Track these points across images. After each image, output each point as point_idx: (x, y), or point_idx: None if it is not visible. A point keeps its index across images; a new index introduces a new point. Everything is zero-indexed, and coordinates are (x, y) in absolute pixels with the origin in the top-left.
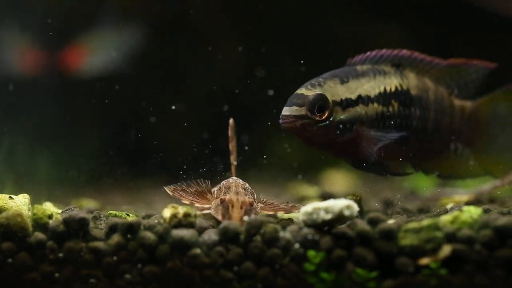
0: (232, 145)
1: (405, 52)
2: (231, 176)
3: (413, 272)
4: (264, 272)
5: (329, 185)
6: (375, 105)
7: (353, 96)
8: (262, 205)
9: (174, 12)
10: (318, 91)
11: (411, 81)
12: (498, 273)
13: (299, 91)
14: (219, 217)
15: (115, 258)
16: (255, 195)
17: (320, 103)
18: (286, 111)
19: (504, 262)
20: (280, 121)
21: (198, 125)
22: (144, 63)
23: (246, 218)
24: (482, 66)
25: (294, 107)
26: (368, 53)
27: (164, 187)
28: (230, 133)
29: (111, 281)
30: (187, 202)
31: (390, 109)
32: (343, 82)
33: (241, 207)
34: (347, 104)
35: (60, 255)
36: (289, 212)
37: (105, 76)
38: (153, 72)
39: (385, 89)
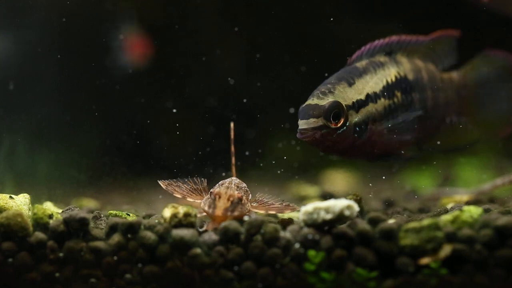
0: (232, 147)
1: (393, 38)
2: (231, 177)
3: (414, 272)
4: (264, 272)
5: (329, 185)
6: (382, 100)
7: (363, 97)
8: (256, 204)
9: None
10: (331, 98)
11: (405, 66)
12: (498, 273)
13: (311, 101)
14: (205, 208)
15: (115, 258)
16: (249, 195)
17: (336, 111)
18: (303, 124)
19: (504, 262)
20: (299, 135)
21: (198, 125)
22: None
23: (236, 214)
24: (454, 34)
25: (311, 119)
26: (363, 48)
27: (158, 180)
28: (231, 136)
29: (111, 281)
30: (179, 196)
31: (395, 100)
32: (350, 84)
33: (228, 199)
34: (359, 105)
35: (61, 255)
36: (281, 212)
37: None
38: (153, 72)
39: (387, 82)
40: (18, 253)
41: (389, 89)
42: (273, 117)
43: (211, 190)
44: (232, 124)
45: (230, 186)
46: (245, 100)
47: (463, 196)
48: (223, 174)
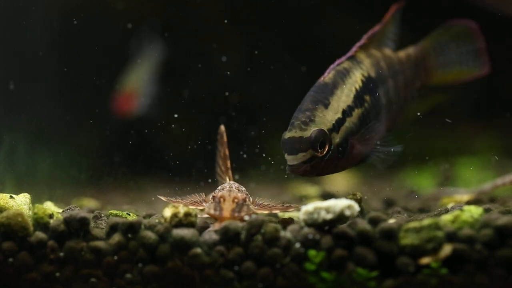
0: (226, 151)
1: (356, 45)
2: (228, 181)
3: (414, 271)
4: (265, 272)
5: (329, 185)
6: (356, 110)
7: (340, 115)
8: (257, 207)
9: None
10: (313, 127)
11: (366, 63)
12: (499, 272)
13: (294, 133)
14: (211, 211)
15: (115, 257)
16: (250, 198)
17: (322, 139)
18: (292, 160)
19: (505, 262)
20: (289, 170)
21: (198, 124)
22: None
23: (243, 215)
24: (397, 7)
25: (300, 154)
26: (333, 64)
27: (158, 195)
28: (223, 139)
29: (111, 280)
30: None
31: (366, 105)
32: (326, 106)
33: (233, 201)
34: (338, 125)
35: (61, 254)
36: (285, 211)
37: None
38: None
39: (356, 90)
40: (18, 253)
41: (359, 97)
42: (274, 116)
43: (213, 195)
44: (222, 127)
45: (231, 189)
46: (244, 100)
47: (463, 196)
48: (209, 180)
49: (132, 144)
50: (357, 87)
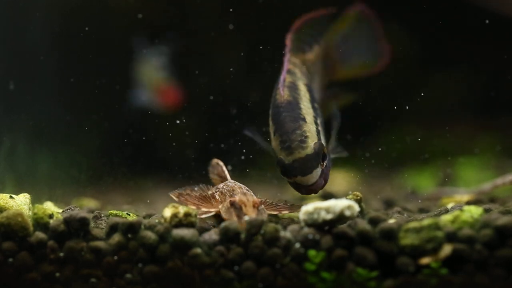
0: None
1: (285, 59)
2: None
3: (414, 271)
4: (265, 272)
5: (329, 185)
6: (318, 119)
7: (315, 126)
8: (267, 207)
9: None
10: (311, 143)
11: (298, 73)
12: (499, 272)
13: (299, 154)
14: (234, 219)
15: (115, 257)
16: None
17: (322, 152)
18: (310, 179)
19: (505, 262)
20: (307, 192)
21: (199, 124)
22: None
23: (264, 216)
24: (321, 14)
25: (315, 171)
26: (281, 81)
27: (169, 193)
28: (218, 171)
29: (111, 280)
30: (193, 207)
31: (318, 111)
32: (304, 120)
33: (254, 207)
34: (319, 135)
35: (61, 254)
36: (292, 211)
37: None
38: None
39: (309, 99)
40: (19, 253)
41: (313, 106)
42: None
43: (230, 199)
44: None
45: (244, 191)
46: (244, 100)
47: (463, 196)
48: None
49: (132, 144)
50: (308, 97)
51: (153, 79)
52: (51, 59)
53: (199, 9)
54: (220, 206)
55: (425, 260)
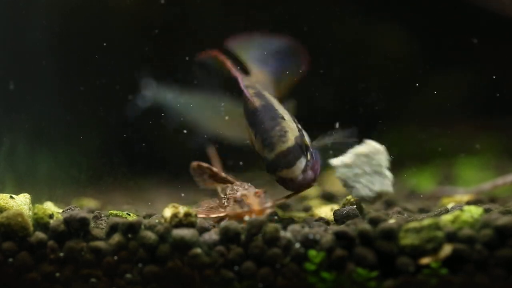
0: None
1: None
2: (232, 183)
3: (414, 271)
4: (265, 272)
5: (329, 185)
6: (294, 120)
7: (295, 124)
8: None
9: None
10: (291, 136)
11: (257, 86)
12: (499, 272)
13: (280, 149)
14: (239, 210)
15: (115, 257)
16: None
17: (302, 144)
18: (295, 171)
19: (505, 262)
20: (299, 184)
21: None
22: (143, 61)
23: (270, 205)
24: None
25: (298, 162)
26: (244, 91)
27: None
28: (208, 172)
29: (111, 280)
30: (205, 216)
31: (292, 115)
32: (282, 117)
33: (255, 195)
34: (301, 133)
35: (61, 254)
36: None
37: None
38: (154, 71)
39: (279, 104)
40: (19, 253)
41: (284, 109)
42: None
43: (228, 196)
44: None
45: (247, 187)
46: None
47: (463, 196)
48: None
49: (132, 144)
50: (278, 102)
51: None
52: (51, 59)
53: None
54: (227, 209)
55: (425, 260)
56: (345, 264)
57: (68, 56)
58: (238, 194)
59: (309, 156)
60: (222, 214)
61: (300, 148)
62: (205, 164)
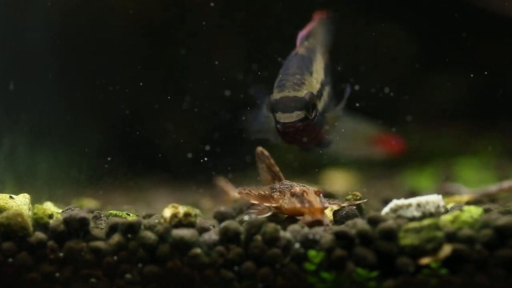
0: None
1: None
2: (280, 181)
3: (414, 272)
4: (265, 272)
5: (329, 185)
6: (326, 87)
7: (320, 85)
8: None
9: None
10: (305, 89)
11: (317, 47)
12: (499, 272)
13: (288, 93)
14: (298, 205)
15: (115, 257)
16: None
17: (313, 102)
18: (288, 117)
19: (505, 262)
20: (282, 128)
21: (199, 124)
22: (144, 62)
23: (326, 205)
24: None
25: (295, 112)
26: (300, 36)
27: (233, 190)
28: (266, 161)
29: (111, 281)
30: (256, 202)
31: (330, 85)
32: (311, 73)
33: (316, 193)
34: (319, 95)
35: (61, 254)
36: (340, 205)
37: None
38: (153, 71)
39: (323, 67)
40: (18, 253)
41: (326, 76)
42: None
43: (291, 191)
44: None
45: (302, 185)
46: (244, 99)
47: (463, 196)
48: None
49: (132, 144)
50: (324, 66)
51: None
52: (51, 59)
53: None
54: (281, 201)
55: (425, 260)
56: (345, 264)
57: (68, 55)
58: (297, 189)
59: (312, 116)
60: (275, 205)
61: (306, 104)
62: (266, 153)
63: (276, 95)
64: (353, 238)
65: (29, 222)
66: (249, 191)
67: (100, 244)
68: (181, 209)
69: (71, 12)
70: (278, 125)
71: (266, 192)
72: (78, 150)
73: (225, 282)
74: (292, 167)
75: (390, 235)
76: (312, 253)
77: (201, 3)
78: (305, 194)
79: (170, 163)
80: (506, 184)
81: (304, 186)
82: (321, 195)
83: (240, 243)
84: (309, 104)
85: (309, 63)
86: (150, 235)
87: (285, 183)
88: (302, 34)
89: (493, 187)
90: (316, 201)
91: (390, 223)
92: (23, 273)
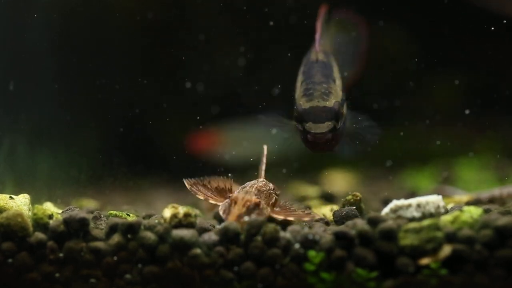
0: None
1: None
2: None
3: (414, 272)
4: (264, 272)
5: (329, 185)
6: (343, 93)
7: (341, 93)
8: (278, 209)
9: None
10: (333, 99)
11: (330, 54)
12: (499, 273)
13: (318, 103)
14: (221, 213)
15: (115, 258)
16: (273, 198)
17: (341, 111)
18: (320, 128)
19: (505, 262)
20: (312, 138)
21: (199, 124)
22: (143, 62)
23: (246, 218)
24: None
25: (327, 123)
26: (316, 39)
27: (184, 179)
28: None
29: (111, 281)
30: (202, 197)
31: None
32: (335, 81)
33: (244, 205)
34: (343, 103)
35: (60, 255)
36: (300, 219)
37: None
38: (153, 71)
39: (339, 72)
40: (18, 253)
41: (342, 80)
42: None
43: (230, 194)
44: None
45: (250, 190)
46: (244, 99)
47: (462, 196)
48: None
49: (132, 144)
50: (338, 70)
51: None
52: (52, 59)
53: None
54: (224, 201)
55: (424, 261)
56: (345, 265)
57: (69, 55)
58: (235, 194)
59: (339, 125)
60: (216, 203)
61: (335, 114)
62: (265, 152)
63: (305, 104)
64: (353, 238)
65: (29, 223)
66: (206, 184)
67: (100, 244)
68: (181, 210)
69: (71, 12)
70: (308, 135)
71: (228, 186)
72: (78, 150)
73: (225, 282)
74: (292, 167)
75: (390, 235)
76: (312, 253)
77: (201, 3)
78: (233, 203)
79: (170, 163)
80: (497, 191)
81: (247, 191)
82: (251, 206)
83: (240, 244)
84: (338, 114)
85: (330, 70)
86: (150, 235)
87: (251, 183)
88: (317, 36)
89: (496, 191)
90: (233, 214)
91: (390, 223)
92: (23, 273)
